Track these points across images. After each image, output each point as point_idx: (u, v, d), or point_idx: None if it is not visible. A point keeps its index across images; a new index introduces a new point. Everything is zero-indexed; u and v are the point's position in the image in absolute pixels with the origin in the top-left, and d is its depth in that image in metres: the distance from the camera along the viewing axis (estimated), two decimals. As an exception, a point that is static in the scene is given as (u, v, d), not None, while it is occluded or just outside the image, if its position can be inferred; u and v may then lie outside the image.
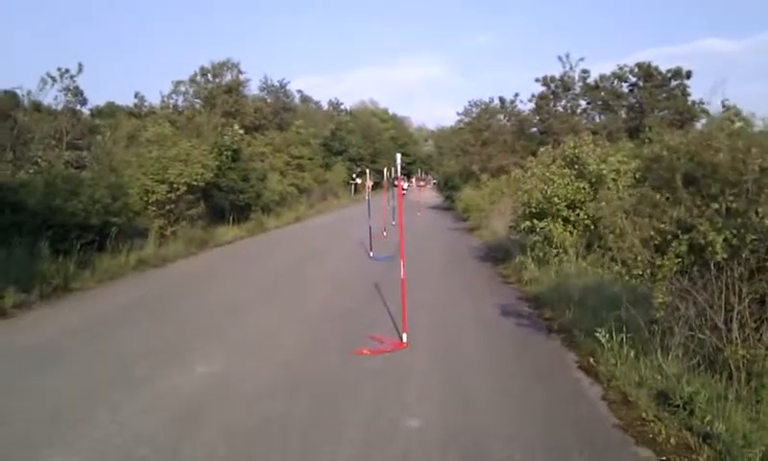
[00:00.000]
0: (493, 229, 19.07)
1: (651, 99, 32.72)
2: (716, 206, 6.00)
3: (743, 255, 5.56)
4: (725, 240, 5.75)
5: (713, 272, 5.64)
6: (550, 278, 10.89)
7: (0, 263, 10.87)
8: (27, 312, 10.08)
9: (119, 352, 7.60)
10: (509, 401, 5.77)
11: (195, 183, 18.83)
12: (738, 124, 6.72)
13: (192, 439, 4.97)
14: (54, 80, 18.58)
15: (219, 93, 36.35)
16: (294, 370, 6.86)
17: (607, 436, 4.94)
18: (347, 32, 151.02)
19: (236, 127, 27.45)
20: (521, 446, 4.75)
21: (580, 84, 33.71)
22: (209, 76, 37.65)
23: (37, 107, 19.04)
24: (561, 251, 11.75)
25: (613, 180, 11.88)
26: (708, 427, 4.63)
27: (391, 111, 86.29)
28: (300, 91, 65.66)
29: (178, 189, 18.06)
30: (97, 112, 31.49)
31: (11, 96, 18.77)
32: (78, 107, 20.52)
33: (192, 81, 37.08)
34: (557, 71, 33.52)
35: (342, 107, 75.24)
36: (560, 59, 33.34)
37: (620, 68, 34.16)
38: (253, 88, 44.45)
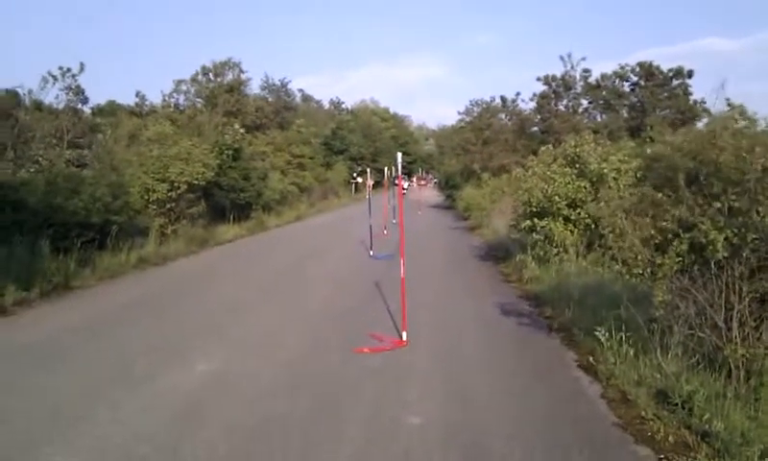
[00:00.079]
0: (494, 227, 19.06)
1: (652, 98, 32.71)
2: (718, 204, 6.00)
3: (744, 254, 5.56)
4: (726, 239, 5.76)
5: (714, 271, 5.65)
6: (551, 276, 10.89)
7: (1, 261, 10.89)
8: (27, 310, 10.10)
9: (119, 351, 7.61)
10: (509, 400, 5.78)
11: (196, 182, 18.84)
12: (743, 123, 6.70)
13: (192, 437, 4.98)
14: (55, 79, 18.59)
15: (220, 92, 36.40)
16: (294, 368, 6.87)
17: (606, 434, 4.95)
18: (347, 32, 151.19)
19: (237, 126, 27.48)
20: (521, 444, 4.76)
21: (581, 83, 33.73)
22: (211, 75, 37.73)
23: (39, 105, 19.05)
24: (561, 250, 11.75)
25: (614, 179, 11.88)
26: (707, 426, 4.64)
27: (392, 111, 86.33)
28: (301, 90, 65.81)
29: (178, 188, 18.07)
30: (98, 111, 31.56)
31: (12, 95, 18.79)
32: (79, 105, 20.56)
33: (193, 80, 37.18)
34: (558, 70, 33.57)
35: (343, 106, 75.37)
36: (561, 58, 33.40)
37: (622, 67, 34.21)
38: (255, 88, 44.59)
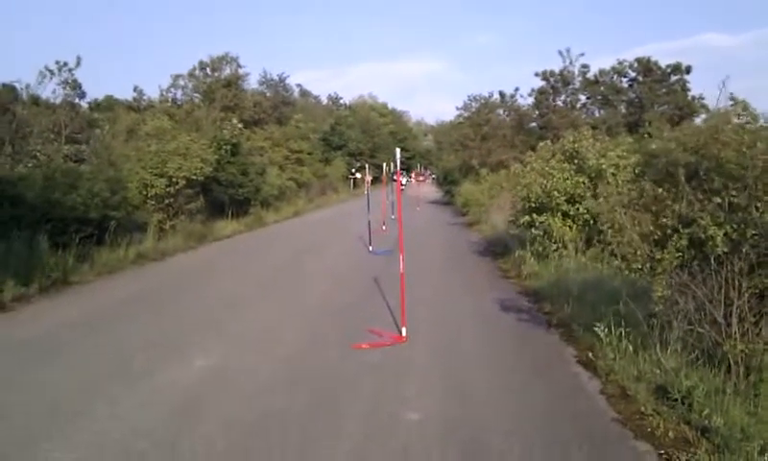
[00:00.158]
0: (493, 223, 19.06)
1: (651, 94, 32.71)
2: (718, 200, 5.98)
3: (743, 250, 5.55)
4: (725, 235, 5.74)
5: (713, 266, 5.64)
6: (549, 272, 10.89)
7: (-1, 257, 10.87)
8: (26, 305, 10.08)
9: (118, 346, 7.60)
10: (508, 395, 5.78)
11: (194, 178, 18.80)
12: (745, 118, 6.68)
13: (191, 433, 4.97)
14: (52, 73, 18.50)
15: (218, 87, 36.26)
16: (293, 364, 6.86)
17: (606, 430, 4.95)
18: (347, 32, 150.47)
19: (235, 121, 27.40)
20: (520, 439, 4.75)
21: (579, 78, 33.70)
22: (208, 70, 37.56)
23: (36, 100, 18.99)
24: (560, 245, 11.75)
25: (613, 174, 11.87)
26: (707, 421, 4.64)
27: (390, 106, 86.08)
28: (299, 86, 65.65)
29: (177, 183, 18.03)
30: (96, 106, 31.50)
31: (9, 90, 18.70)
32: (76, 100, 20.48)
33: (191, 75, 37.01)
34: (557, 66, 33.52)
35: (341, 101, 75.22)
36: (560, 53, 33.36)
37: (620, 63, 34.19)
38: (253, 83, 44.44)
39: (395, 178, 13.82)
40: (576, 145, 12.71)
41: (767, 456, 4.09)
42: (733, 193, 5.92)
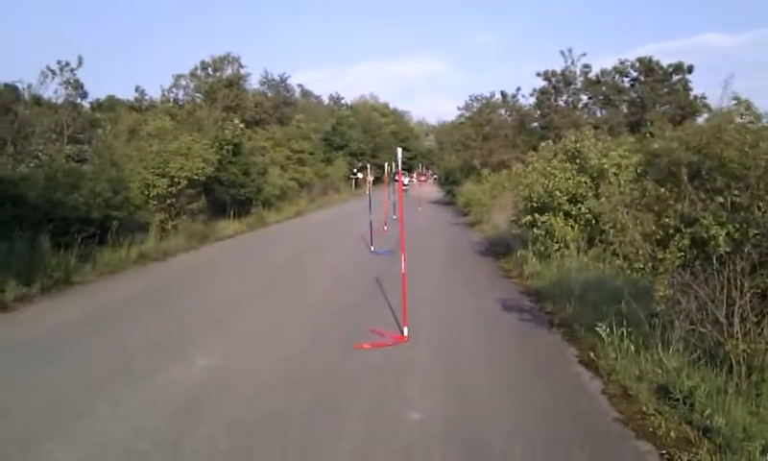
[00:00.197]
0: (495, 223, 19.05)
1: (652, 94, 32.69)
2: (721, 199, 5.97)
3: (745, 250, 5.54)
4: (728, 234, 5.73)
5: (715, 266, 5.63)
6: (551, 272, 10.88)
7: (1, 257, 10.87)
8: (28, 305, 10.09)
9: (120, 346, 7.61)
10: (510, 395, 5.78)
11: (196, 178, 18.83)
12: (747, 118, 6.67)
13: (193, 433, 4.98)
14: (54, 73, 18.54)
15: (219, 87, 36.31)
16: (295, 364, 6.86)
17: (607, 430, 4.94)
18: (347, 32, 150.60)
19: (237, 121, 27.44)
20: (522, 439, 4.75)
21: (581, 78, 33.68)
22: (210, 70, 37.62)
23: (38, 100, 19.03)
24: (562, 245, 11.74)
25: (615, 174, 11.86)
26: (708, 421, 4.63)
27: (392, 106, 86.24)
28: (300, 86, 65.77)
29: (178, 183, 18.07)
30: (97, 106, 31.52)
31: (11, 90, 18.74)
32: (78, 100, 20.54)
33: (192, 75, 37.07)
34: (558, 66, 33.51)
35: (343, 101, 75.31)
36: (562, 53, 33.37)
37: (621, 63, 34.17)
38: (254, 83, 44.50)
39: (396, 178, 13.83)
40: (578, 145, 12.70)
41: (769, 456, 4.09)
42: (736, 193, 5.91)
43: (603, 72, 34.27)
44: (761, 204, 5.72)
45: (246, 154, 26.59)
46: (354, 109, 71.38)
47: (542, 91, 33.60)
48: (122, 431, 5.02)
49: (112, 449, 4.73)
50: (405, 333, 7.66)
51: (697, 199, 6.20)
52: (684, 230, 6.19)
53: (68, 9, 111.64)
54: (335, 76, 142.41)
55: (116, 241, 14.21)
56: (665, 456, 4.40)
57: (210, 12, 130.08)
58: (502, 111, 34.75)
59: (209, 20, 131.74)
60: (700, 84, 41.12)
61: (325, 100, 73.98)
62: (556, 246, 11.74)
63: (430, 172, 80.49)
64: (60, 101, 19.26)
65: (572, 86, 33.77)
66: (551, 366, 6.67)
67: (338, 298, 10.58)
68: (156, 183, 17.53)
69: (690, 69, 32.83)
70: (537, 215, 12.34)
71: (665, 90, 33.02)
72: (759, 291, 5.57)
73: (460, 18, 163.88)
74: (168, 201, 18.08)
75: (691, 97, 32.37)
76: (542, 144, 14.58)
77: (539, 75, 33.67)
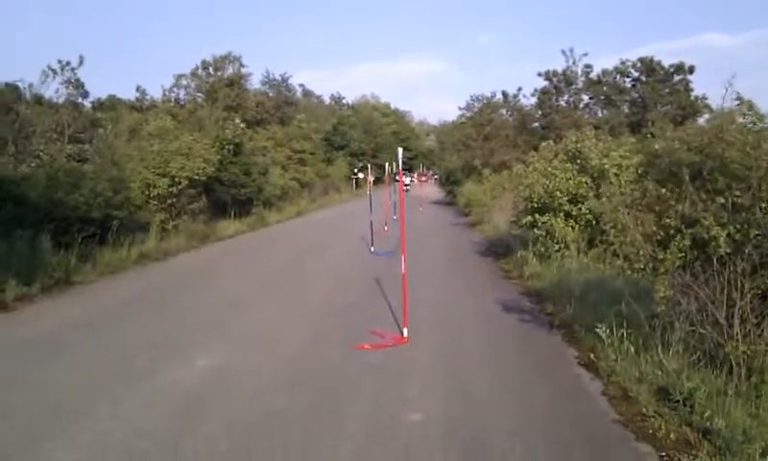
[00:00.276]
0: (495, 224, 19.04)
1: (653, 94, 32.66)
2: (722, 200, 5.97)
3: (746, 251, 5.54)
4: (728, 235, 5.73)
5: (716, 267, 5.63)
6: (552, 273, 10.88)
7: (2, 256, 10.89)
8: (28, 305, 10.11)
9: (120, 346, 7.62)
10: (510, 396, 5.77)
11: (196, 177, 18.85)
12: (749, 118, 6.65)
13: (193, 433, 4.98)
14: (55, 73, 18.54)
15: (220, 87, 36.33)
16: (295, 364, 6.87)
17: (607, 431, 4.94)
18: (347, 32, 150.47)
19: (238, 121, 27.45)
20: (522, 440, 4.75)
21: (582, 78, 33.65)
22: (211, 69, 37.64)
23: (39, 100, 19.04)
24: (562, 246, 11.74)
25: (616, 174, 11.85)
26: (708, 423, 4.63)
27: (392, 106, 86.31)
28: (301, 85, 65.86)
29: (179, 183, 18.08)
30: (98, 106, 31.53)
31: (12, 89, 18.77)
32: (79, 100, 20.58)
33: (194, 74, 37.09)
34: (560, 66, 33.50)
35: (344, 101, 75.36)
36: (563, 53, 33.33)
37: (623, 63, 34.11)
38: (255, 82, 44.51)
39: (397, 178, 13.83)
40: (579, 145, 12.69)
41: (769, 458, 4.09)
42: (737, 193, 5.90)
43: (604, 72, 34.24)
44: (763, 205, 5.72)
45: (247, 154, 26.61)
46: (355, 109, 71.43)
47: (543, 91, 33.57)
48: (122, 431, 5.03)
49: (113, 449, 4.73)
50: (405, 334, 7.66)
51: (698, 199, 6.19)
52: (684, 230, 6.18)
53: (69, 8, 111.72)
54: (336, 76, 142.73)
55: (117, 241, 14.23)
56: (665, 458, 4.40)
57: (211, 12, 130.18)
58: (503, 111, 34.72)
59: (210, 20, 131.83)
60: (700, 85, 41.19)
61: (327, 100, 74.18)
62: (556, 246, 11.73)
63: (431, 172, 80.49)
64: (61, 100, 19.29)
65: (573, 86, 33.74)
66: (551, 367, 6.67)
67: (338, 298, 10.58)
68: (157, 183, 17.55)
69: (691, 69, 32.82)
70: (537, 216, 12.34)
71: (666, 91, 32.98)
72: (760, 292, 5.56)
73: (460, 18, 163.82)
74: (169, 201, 18.09)
75: (692, 97, 32.34)
76: (543, 144, 14.58)
77: (540, 75, 33.67)
